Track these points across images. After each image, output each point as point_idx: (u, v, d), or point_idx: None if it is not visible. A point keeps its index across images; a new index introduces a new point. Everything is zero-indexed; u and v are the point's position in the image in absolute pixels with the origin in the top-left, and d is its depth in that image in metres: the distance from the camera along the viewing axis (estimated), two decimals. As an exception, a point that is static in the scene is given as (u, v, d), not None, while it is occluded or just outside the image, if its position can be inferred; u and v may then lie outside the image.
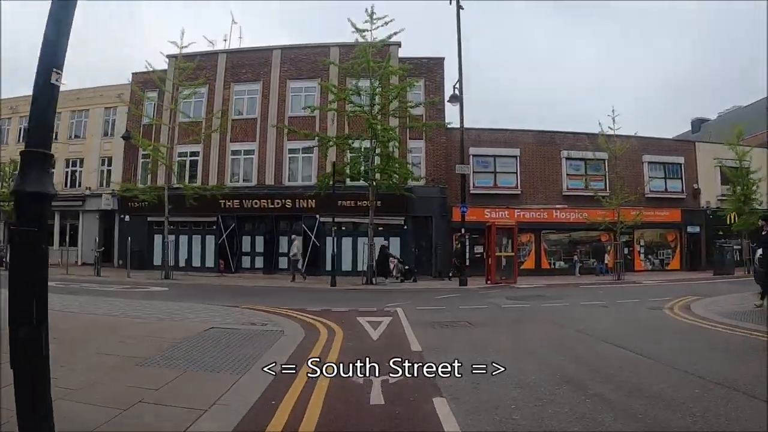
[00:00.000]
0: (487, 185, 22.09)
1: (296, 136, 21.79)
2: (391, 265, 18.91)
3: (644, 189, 24.20)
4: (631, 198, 20.55)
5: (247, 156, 22.95)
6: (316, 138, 18.88)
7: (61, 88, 2.61)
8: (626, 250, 24.47)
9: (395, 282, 18.30)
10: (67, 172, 28.21)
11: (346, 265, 20.89)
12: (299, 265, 19.11)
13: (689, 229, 25.44)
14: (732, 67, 61.41)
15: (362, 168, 17.80)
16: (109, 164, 26.46)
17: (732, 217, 23.54)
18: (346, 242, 21.25)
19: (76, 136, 28.55)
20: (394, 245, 21.08)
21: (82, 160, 27.85)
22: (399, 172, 18.05)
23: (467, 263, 17.58)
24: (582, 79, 64.53)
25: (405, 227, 21.24)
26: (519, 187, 22.62)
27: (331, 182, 17.40)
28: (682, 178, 25.64)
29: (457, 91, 16.48)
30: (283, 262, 21.86)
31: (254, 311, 9.44)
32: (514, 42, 68.98)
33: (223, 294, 13.52)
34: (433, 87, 22.19)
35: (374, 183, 17.87)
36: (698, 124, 40.17)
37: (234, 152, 23.16)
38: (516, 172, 22.67)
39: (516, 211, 21.79)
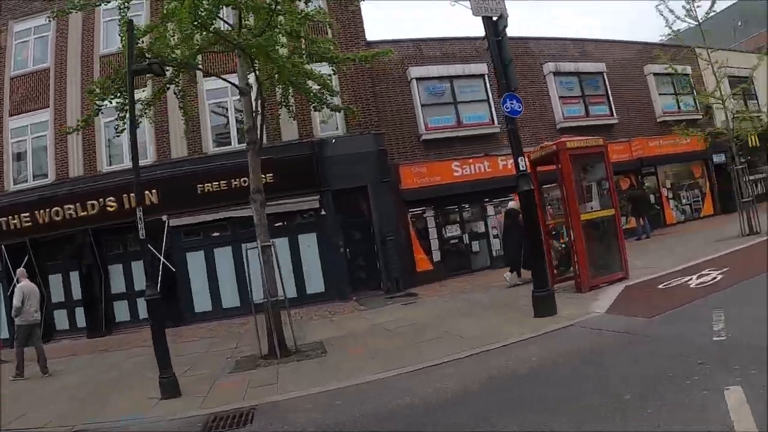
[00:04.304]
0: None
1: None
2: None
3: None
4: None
5: (38, 134, 13.25)
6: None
7: None
8: (652, 198, 17.24)
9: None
10: None
11: (229, 299, 11.89)
12: (26, 337, 7.92)
13: (715, 159, 18.63)
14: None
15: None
16: None
17: (753, 139, 16.92)
18: (222, 257, 12.07)
19: None
20: (310, 245, 12.22)
21: None
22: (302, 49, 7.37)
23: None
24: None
25: (323, 212, 12.16)
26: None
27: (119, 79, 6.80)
28: (693, 94, 18.86)
29: None
30: (121, 312, 12.48)
31: None
32: None
33: None
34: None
35: (252, 68, 7.43)
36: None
37: (16, 131, 13.38)
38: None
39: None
